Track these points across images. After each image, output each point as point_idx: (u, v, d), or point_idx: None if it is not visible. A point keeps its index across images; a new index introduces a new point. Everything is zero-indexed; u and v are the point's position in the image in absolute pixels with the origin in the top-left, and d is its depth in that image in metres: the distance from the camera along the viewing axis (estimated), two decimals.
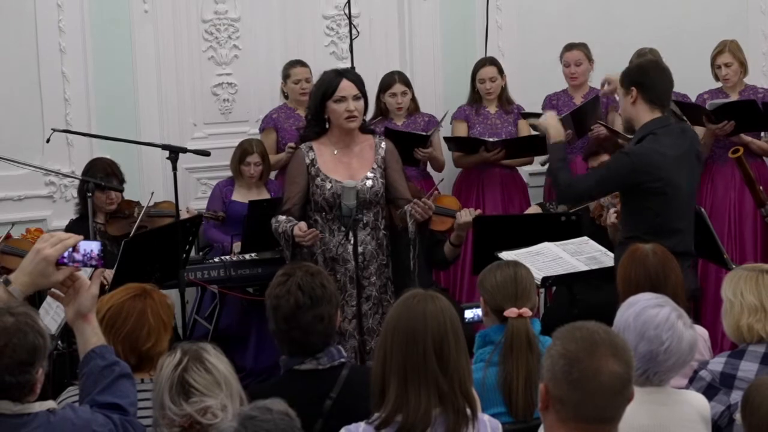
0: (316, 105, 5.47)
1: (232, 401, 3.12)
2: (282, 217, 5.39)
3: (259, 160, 6.98)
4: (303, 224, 5.29)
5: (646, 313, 3.42)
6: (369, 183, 5.42)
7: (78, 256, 3.06)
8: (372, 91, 7.08)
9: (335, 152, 5.44)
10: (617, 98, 5.59)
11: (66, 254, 3.04)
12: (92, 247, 3.08)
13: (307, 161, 5.42)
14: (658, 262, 4.36)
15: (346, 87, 5.36)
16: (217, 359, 3.19)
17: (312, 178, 5.40)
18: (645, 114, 5.13)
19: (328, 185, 5.37)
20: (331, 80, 5.42)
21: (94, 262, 3.08)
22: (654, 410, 3.35)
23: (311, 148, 5.44)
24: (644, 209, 5.09)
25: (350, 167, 5.44)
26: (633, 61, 6.95)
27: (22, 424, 2.89)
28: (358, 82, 5.45)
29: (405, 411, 3.06)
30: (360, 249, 5.37)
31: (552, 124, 5.35)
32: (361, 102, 5.42)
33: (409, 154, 6.90)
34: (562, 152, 5.30)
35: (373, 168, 5.45)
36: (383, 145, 5.53)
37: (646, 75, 5.18)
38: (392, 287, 5.47)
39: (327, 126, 5.46)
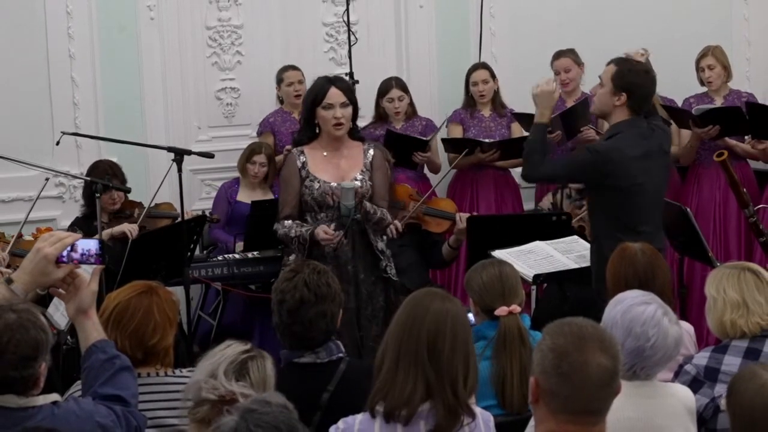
0: (307, 111, 5.54)
1: None
2: (289, 222, 5.45)
3: (265, 161, 7.06)
4: (325, 227, 5.35)
5: (633, 310, 3.48)
6: (357, 184, 5.44)
7: (77, 255, 3.08)
8: (371, 95, 7.21)
9: (325, 154, 5.50)
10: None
11: (65, 252, 3.07)
12: (90, 245, 3.10)
13: (299, 164, 5.47)
14: (647, 261, 4.44)
15: (333, 95, 5.41)
16: (272, 373, 3.28)
17: (302, 180, 5.45)
18: (621, 115, 5.24)
19: (316, 185, 5.42)
20: (320, 87, 5.47)
21: (92, 260, 3.11)
22: (641, 403, 3.41)
23: (302, 152, 5.50)
24: (607, 207, 5.19)
25: (339, 168, 5.48)
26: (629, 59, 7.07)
27: (26, 417, 2.93)
28: (347, 90, 5.50)
29: (392, 392, 3.13)
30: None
31: (540, 102, 5.34)
32: (349, 109, 5.45)
33: (407, 158, 7.01)
34: (541, 134, 5.34)
35: (362, 171, 5.50)
36: (371, 151, 5.57)
37: (640, 86, 5.24)
38: (384, 283, 5.53)
39: (318, 131, 5.53)
